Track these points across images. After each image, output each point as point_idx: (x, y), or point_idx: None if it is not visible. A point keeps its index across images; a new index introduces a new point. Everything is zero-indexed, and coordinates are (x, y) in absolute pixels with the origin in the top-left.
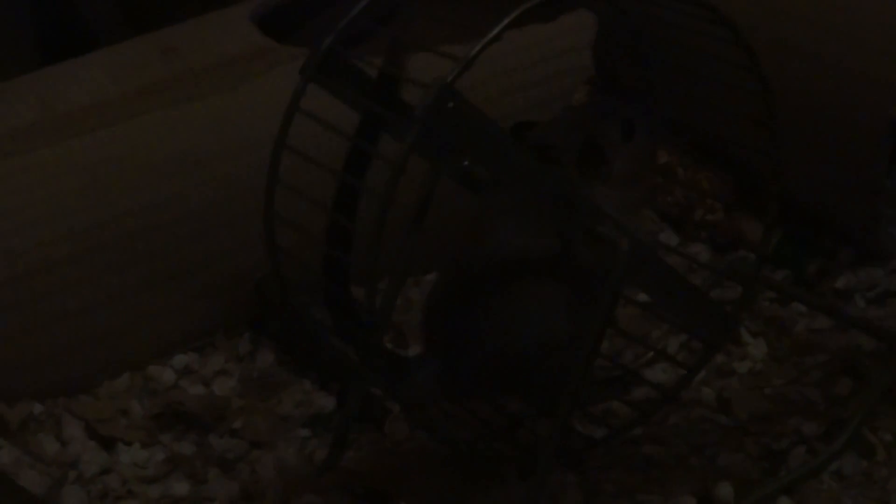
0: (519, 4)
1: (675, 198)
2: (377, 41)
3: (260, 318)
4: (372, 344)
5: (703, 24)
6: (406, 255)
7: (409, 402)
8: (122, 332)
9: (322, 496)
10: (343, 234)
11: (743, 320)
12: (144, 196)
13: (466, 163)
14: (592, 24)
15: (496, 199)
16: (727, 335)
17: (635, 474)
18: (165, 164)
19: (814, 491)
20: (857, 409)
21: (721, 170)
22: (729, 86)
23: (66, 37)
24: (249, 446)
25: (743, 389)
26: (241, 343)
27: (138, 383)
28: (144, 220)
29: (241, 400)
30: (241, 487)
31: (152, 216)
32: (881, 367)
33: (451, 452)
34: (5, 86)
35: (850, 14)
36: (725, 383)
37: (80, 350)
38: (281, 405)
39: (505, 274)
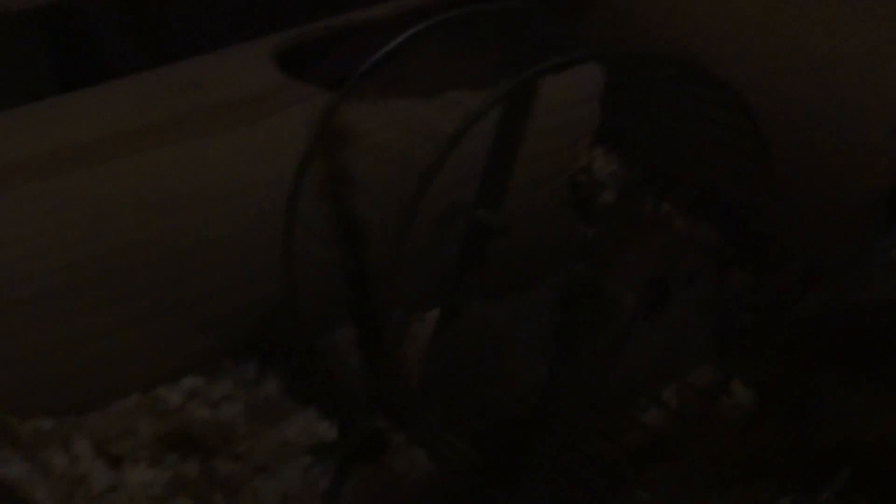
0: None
1: None
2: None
3: (268, 347)
4: (379, 377)
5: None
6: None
7: (415, 435)
8: (131, 355)
9: None
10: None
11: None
12: (155, 228)
13: (481, 212)
14: (600, 77)
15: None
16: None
17: None
18: (178, 198)
19: None
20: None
21: (716, 224)
22: (728, 145)
23: (83, 64)
24: (253, 471)
25: None
26: (248, 369)
27: (147, 404)
28: (156, 251)
29: (246, 425)
30: None
31: (163, 248)
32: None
33: (451, 485)
34: (18, 113)
35: (851, 80)
36: None
37: (91, 370)
38: (285, 432)
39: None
